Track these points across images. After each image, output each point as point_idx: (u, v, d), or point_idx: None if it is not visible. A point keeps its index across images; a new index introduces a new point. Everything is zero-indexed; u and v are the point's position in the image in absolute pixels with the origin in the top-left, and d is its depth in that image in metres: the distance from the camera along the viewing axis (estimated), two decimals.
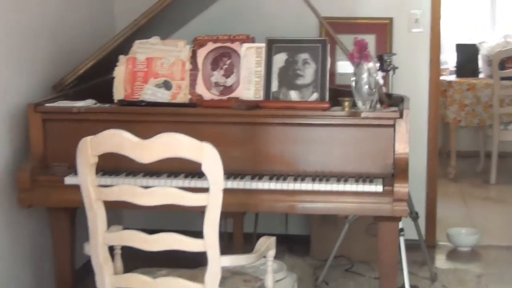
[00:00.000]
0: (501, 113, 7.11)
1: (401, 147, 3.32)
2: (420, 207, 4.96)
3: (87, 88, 3.91)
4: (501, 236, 5.56)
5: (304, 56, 3.62)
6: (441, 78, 6.36)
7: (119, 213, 4.82)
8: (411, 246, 4.43)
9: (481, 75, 7.66)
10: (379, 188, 3.22)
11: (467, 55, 7.71)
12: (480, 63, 7.72)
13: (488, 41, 8.04)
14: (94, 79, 3.98)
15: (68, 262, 3.67)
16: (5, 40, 3.68)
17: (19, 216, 3.77)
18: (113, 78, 3.75)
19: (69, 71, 3.89)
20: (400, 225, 3.63)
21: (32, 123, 3.59)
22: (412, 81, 4.95)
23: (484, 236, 5.31)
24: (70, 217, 3.62)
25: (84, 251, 2.80)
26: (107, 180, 3.32)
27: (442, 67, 6.35)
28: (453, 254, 5.21)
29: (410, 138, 3.36)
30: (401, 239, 3.87)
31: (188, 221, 3.67)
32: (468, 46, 7.82)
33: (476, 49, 7.74)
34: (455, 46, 7.84)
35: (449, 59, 8.02)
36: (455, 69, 7.82)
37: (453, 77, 7.66)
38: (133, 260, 3.03)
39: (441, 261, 5.06)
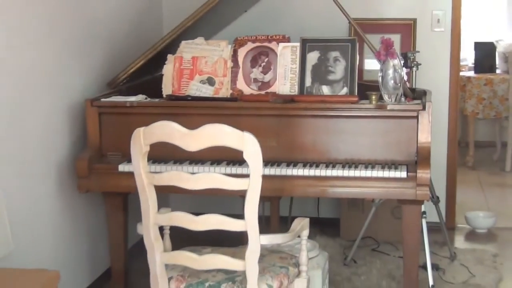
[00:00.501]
0: None
1: (424, 137, 3.33)
2: (441, 192, 4.98)
3: (139, 84, 3.96)
4: None
5: (335, 54, 3.64)
6: (461, 74, 6.32)
7: (166, 197, 4.85)
8: (433, 228, 4.45)
9: (497, 71, 7.63)
10: (403, 174, 3.24)
11: (485, 52, 7.65)
12: (497, 60, 7.68)
13: (505, 39, 8.00)
14: (145, 77, 4.02)
15: (122, 242, 3.72)
16: (66, 43, 3.72)
17: (78, 199, 3.82)
18: (162, 75, 3.80)
19: (122, 69, 3.93)
20: (423, 208, 3.62)
21: (89, 117, 3.64)
22: (434, 76, 4.94)
23: (499, 219, 5.30)
24: (123, 201, 3.67)
25: (137, 231, 2.83)
26: (157, 167, 3.36)
27: (461, 63, 6.31)
28: (471, 235, 5.19)
29: (432, 129, 3.37)
30: (424, 221, 3.84)
31: (228, 205, 3.69)
32: (485, 44, 7.77)
33: (493, 47, 7.69)
34: (474, 44, 7.79)
35: (468, 56, 7.97)
36: (473, 65, 7.77)
37: (471, 73, 7.64)
38: (180, 240, 3.06)
39: (460, 242, 5.04)
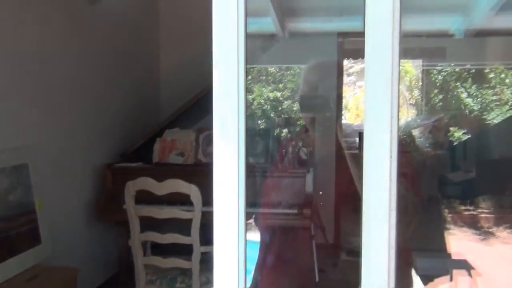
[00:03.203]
0: None
1: (308, 188, 3.53)
2: (331, 222, 5.03)
3: (139, 154, 3.98)
4: None
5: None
6: None
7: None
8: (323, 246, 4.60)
9: None
10: (295, 211, 3.45)
11: None
12: None
13: None
14: (141, 149, 4.02)
15: (125, 253, 3.70)
16: (92, 120, 3.81)
17: (98, 225, 3.82)
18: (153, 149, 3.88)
19: (130, 144, 3.99)
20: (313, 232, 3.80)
21: (106, 176, 3.75)
22: None
23: None
24: (126, 226, 3.75)
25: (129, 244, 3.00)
26: (140, 205, 3.41)
27: None
28: (351, 251, 5.33)
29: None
30: (313, 242, 4.02)
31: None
32: None
33: None
34: None
35: None
36: None
37: None
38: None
39: (343, 255, 5.17)
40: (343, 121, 7.17)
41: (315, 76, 2.23)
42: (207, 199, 2.73)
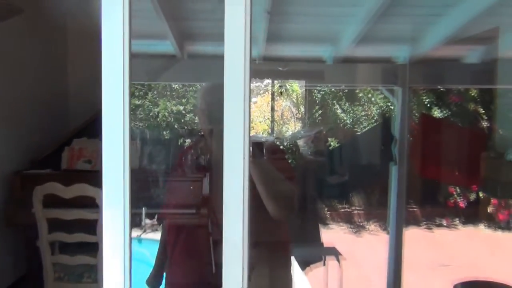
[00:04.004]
0: None
1: (204, 191, 3.66)
2: None
3: (48, 160, 3.85)
4: None
5: None
6: None
7: None
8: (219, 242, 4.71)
9: None
10: (193, 211, 3.56)
11: None
12: None
13: None
14: (50, 157, 3.90)
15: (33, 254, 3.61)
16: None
17: (5, 231, 3.60)
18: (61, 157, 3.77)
19: (39, 152, 3.85)
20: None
21: (14, 182, 3.59)
22: None
23: None
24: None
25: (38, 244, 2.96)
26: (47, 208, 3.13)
27: None
28: None
29: None
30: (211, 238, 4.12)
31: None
32: None
33: None
34: None
35: None
36: None
37: None
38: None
39: None
40: None
41: (212, 94, 2.36)
42: None
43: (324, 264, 3.49)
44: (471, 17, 2.91)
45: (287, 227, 2.18)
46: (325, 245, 3.60)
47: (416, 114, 6.26)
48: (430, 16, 3.11)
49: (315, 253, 3.49)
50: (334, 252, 3.51)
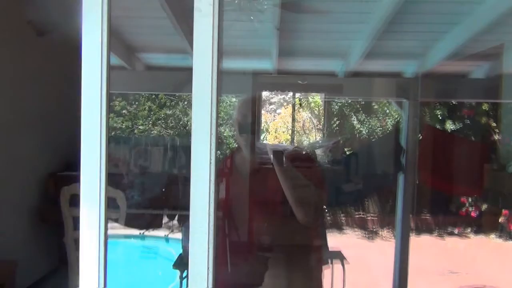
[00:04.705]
0: None
1: None
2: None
3: None
4: None
5: None
6: None
7: None
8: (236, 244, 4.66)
9: None
10: None
11: None
12: None
13: None
14: None
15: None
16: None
17: (40, 226, 3.71)
18: None
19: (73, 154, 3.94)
20: None
21: (48, 183, 3.71)
22: None
23: None
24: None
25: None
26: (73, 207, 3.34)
27: None
28: None
29: None
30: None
31: None
32: None
33: None
34: None
35: None
36: None
37: None
38: None
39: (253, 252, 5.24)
40: (265, 141, 7.34)
41: (247, 107, 2.30)
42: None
43: (332, 266, 3.41)
44: (475, 33, 2.80)
45: (314, 232, 2.09)
46: (332, 249, 3.52)
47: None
48: (435, 33, 3.01)
49: (324, 257, 3.40)
50: (339, 256, 3.42)
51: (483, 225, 6.43)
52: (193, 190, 0.90)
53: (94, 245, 0.92)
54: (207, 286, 0.93)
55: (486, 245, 6.15)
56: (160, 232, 4.50)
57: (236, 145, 2.57)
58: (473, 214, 6.45)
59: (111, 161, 3.28)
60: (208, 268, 0.92)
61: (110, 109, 1.04)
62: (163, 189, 3.67)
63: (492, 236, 6.33)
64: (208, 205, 0.91)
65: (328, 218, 6.34)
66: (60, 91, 4.02)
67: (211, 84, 0.90)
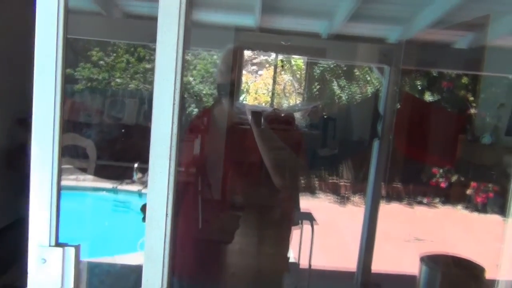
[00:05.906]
0: None
1: None
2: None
3: None
4: None
5: None
6: None
7: None
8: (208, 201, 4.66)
9: None
10: None
11: None
12: None
13: None
14: None
15: None
16: None
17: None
18: None
19: None
20: None
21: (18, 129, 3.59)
22: None
23: None
24: None
25: None
26: None
27: None
28: None
29: None
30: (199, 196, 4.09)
31: None
32: None
33: None
34: None
35: None
36: None
37: None
38: None
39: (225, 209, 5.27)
40: (244, 102, 7.27)
41: (230, 59, 2.20)
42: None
43: (301, 227, 3.44)
44: (463, 1, 2.73)
45: (287, 195, 2.02)
46: (303, 211, 3.54)
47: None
48: None
49: (295, 218, 3.43)
50: (309, 217, 3.45)
51: (451, 196, 6.59)
52: (153, 149, 0.83)
53: (46, 201, 0.85)
54: (165, 234, 0.88)
55: (453, 215, 6.32)
56: (133, 187, 4.47)
57: (215, 100, 2.49)
58: (442, 184, 6.59)
59: (84, 110, 3.17)
60: (166, 217, 0.87)
61: (87, 59, 0.95)
62: (136, 141, 3.60)
63: (459, 207, 6.50)
64: (169, 160, 0.84)
65: (302, 181, 6.40)
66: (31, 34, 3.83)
67: (177, 35, 0.82)
